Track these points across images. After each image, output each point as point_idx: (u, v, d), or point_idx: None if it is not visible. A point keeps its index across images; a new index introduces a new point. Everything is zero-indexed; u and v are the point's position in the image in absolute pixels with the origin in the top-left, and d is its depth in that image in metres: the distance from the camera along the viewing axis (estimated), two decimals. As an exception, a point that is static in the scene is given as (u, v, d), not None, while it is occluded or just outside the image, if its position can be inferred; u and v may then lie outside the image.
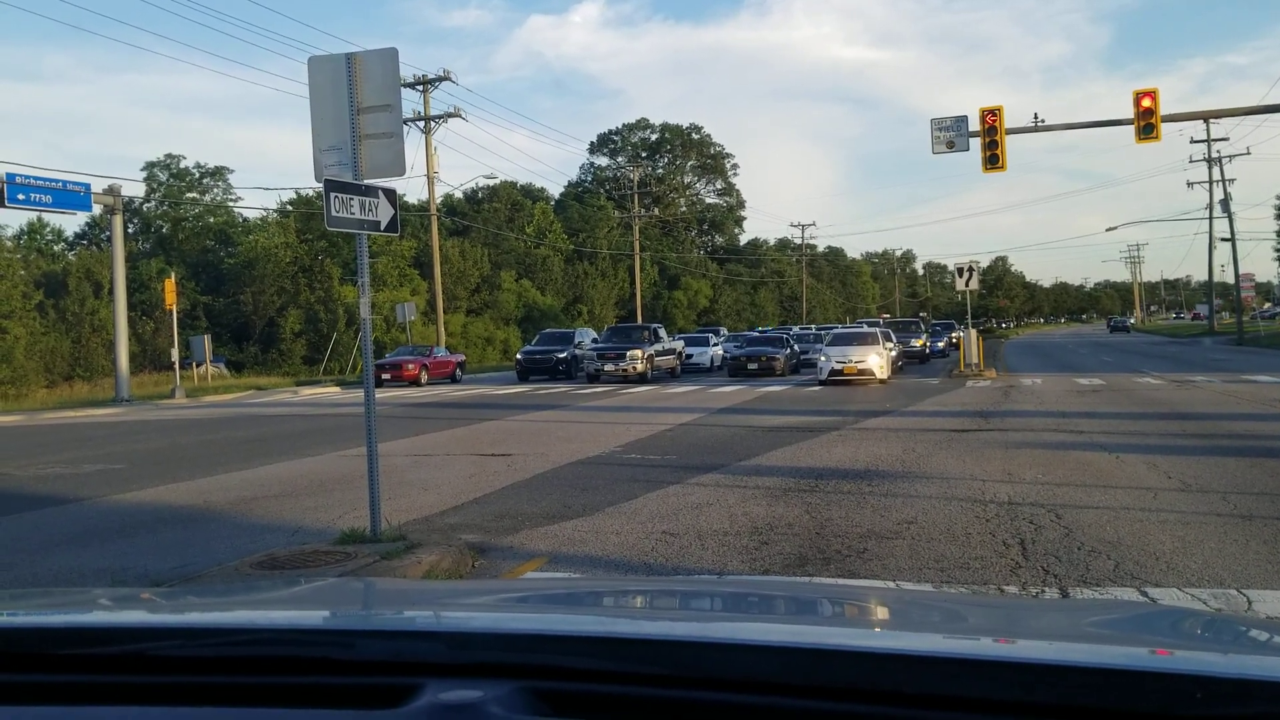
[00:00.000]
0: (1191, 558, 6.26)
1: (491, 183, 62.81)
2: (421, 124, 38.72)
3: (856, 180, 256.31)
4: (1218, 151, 57.16)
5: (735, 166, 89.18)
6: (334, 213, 6.78)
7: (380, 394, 24.89)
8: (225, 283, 46.98)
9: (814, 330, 45.81)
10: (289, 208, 49.04)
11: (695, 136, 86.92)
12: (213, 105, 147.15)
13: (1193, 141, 58.03)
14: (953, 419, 15.85)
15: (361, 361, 7.78)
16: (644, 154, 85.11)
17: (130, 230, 48.00)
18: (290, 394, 30.84)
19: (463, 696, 1.23)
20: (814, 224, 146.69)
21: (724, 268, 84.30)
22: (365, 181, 7.01)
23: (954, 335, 43.66)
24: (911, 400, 20.03)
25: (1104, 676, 1.21)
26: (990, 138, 23.98)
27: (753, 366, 30.85)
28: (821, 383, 25.73)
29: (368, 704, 1.27)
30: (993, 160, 24.03)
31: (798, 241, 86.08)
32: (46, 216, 42.38)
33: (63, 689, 1.38)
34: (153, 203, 52.67)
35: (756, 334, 40.84)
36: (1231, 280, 59.47)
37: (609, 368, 29.88)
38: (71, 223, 48.88)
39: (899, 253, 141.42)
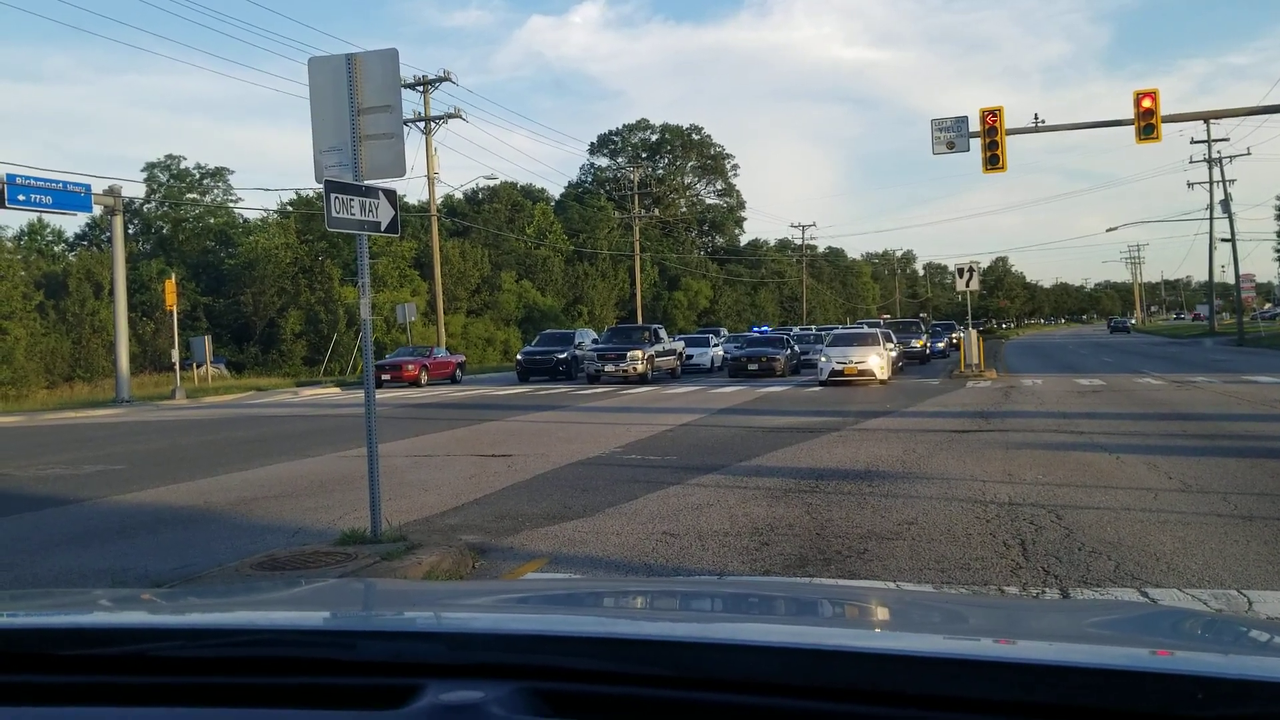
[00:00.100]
0: (1192, 558, 6.26)
1: (492, 183, 62.96)
2: (422, 125, 38.74)
3: (857, 181, 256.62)
4: (1218, 152, 57.23)
5: (735, 167, 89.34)
6: (334, 213, 6.78)
7: (380, 395, 24.88)
8: (225, 283, 47.00)
9: (814, 331, 45.83)
10: (289, 208, 49.11)
11: (695, 137, 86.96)
12: (213, 106, 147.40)
13: (1193, 142, 58.07)
14: (953, 420, 15.85)
15: (362, 362, 7.78)
16: (644, 155, 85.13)
17: (130, 231, 48.01)
18: (290, 395, 30.84)
19: (464, 697, 1.23)
20: (814, 224, 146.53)
21: (724, 268, 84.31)
22: (365, 182, 7.01)
23: (954, 336, 43.66)
24: (912, 401, 20.03)
25: (1105, 677, 1.21)
26: (990, 138, 23.98)
27: (753, 367, 30.87)
28: (822, 383, 25.75)
29: (369, 705, 1.27)
30: (993, 161, 24.03)
31: (798, 242, 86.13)
32: (47, 217, 42.45)
33: (64, 690, 1.38)
34: (153, 204, 52.74)
35: (757, 334, 40.81)
36: (1232, 281, 59.46)
37: (609, 368, 29.88)
38: (72, 223, 49.01)
39: (899, 253, 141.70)
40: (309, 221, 45.98)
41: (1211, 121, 44.36)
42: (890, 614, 2.01)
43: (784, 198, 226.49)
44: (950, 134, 24.73)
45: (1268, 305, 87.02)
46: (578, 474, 10.81)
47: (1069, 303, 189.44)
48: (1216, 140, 56.57)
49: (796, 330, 47.60)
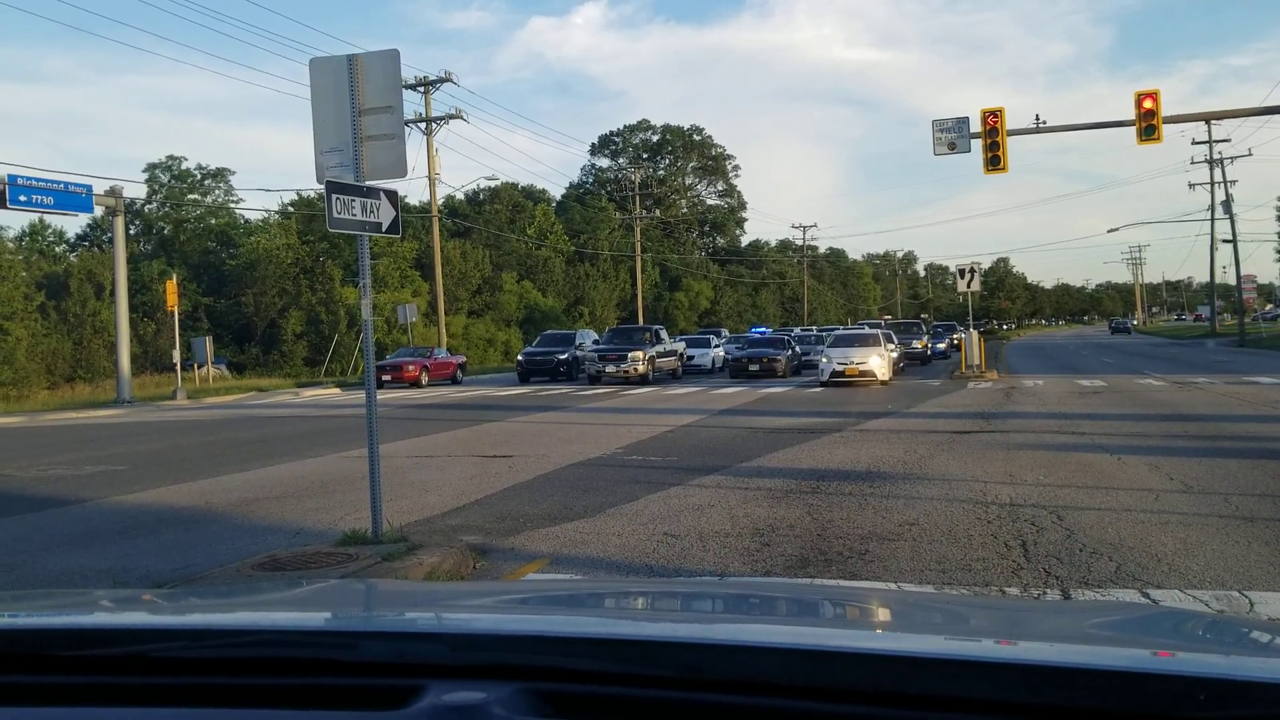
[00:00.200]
0: (1193, 559, 6.26)
1: (493, 184, 62.96)
2: (423, 125, 38.76)
3: (858, 181, 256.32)
4: (1219, 153, 57.27)
5: (736, 168, 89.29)
6: (335, 214, 6.78)
7: (381, 395, 24.83)
8: (227, 284, 47.00)
9: (815, 332, 45.82)
10: (290, 209, 49.11)
11: (696, 138, 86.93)
12: (214, 106, 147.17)
13: (1194, 143, 58.16)
14: (954, 420, 15.85)
15: (363, 363, 7.78)
16: (645, 155, 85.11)
17: (132, 232, 48.06)
18: (291, 395, 30.85)
19: (465, 698, 1.24)
20: (815, 225, 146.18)
21: (725, 269, 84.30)
22: (367, 183, 7.01)
23: (955, 336, 43.63)
24: (913, 402, 20.02)
25: (1106, 678, 1.21)
26: (992, 139, 23.99)
27: (754, 368, 30.88)
28: (823, 384, 25.75)
29: (370, 705, 1.27)
30: (994, 162, 24.03)
31: (799, 243, 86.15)
32: (48, 218, 42.45)
33: (65, 690, 1.38)
34: (154, 204, 52.76)
35: (757, 335, 40.80)
36: (1233, 282, 59.40)
37: (610, 369, 29.88)
38: (73, 224, 48.98)
39: (900, 254, 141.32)
40: (310, 222, 45.99)
41: (1213, 122, 44.39)
42: (891, 615, 2.01)
43: (785, 199, 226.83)
44: (951, 135, 24.74)
45: (1269, 306, 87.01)
46: (579, 475, 10.81)
47: (1070, 304, 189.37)
48: (1218, 141, 56.68)
49: (797, 331, 47.60)
